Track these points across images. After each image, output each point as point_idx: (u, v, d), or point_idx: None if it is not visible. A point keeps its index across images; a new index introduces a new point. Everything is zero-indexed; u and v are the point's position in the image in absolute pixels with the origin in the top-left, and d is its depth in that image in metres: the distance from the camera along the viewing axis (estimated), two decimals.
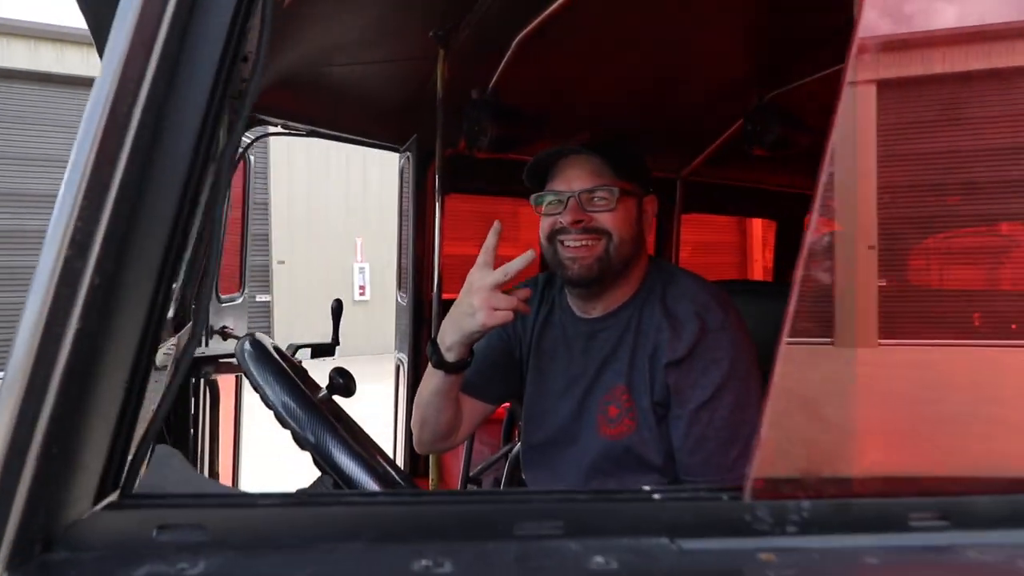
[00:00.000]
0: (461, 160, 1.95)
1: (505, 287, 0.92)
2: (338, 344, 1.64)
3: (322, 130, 2.10)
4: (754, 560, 0.39)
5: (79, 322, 0.36)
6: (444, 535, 0.38)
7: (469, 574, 0.36)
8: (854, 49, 0.44)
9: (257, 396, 0.75)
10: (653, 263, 1.12)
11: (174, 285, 0.48)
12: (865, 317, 0.48)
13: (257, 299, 7.51)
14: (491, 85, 1.80)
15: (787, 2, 1.42)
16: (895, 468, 0.48)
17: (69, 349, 0.35)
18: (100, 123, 0.37)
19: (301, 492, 0.71)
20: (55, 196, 0.37)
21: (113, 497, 0.37)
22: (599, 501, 0.42)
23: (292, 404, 0.68)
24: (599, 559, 0.37)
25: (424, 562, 0.36)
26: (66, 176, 0.37)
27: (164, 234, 0.39)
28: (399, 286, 2.32)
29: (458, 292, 0.97)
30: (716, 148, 2.32)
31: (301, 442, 0.67)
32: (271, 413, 0.71)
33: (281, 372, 0.73)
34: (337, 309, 1.13)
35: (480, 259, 0.94)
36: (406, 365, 2.13)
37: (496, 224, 0.97)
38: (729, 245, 3.43)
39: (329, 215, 8.92)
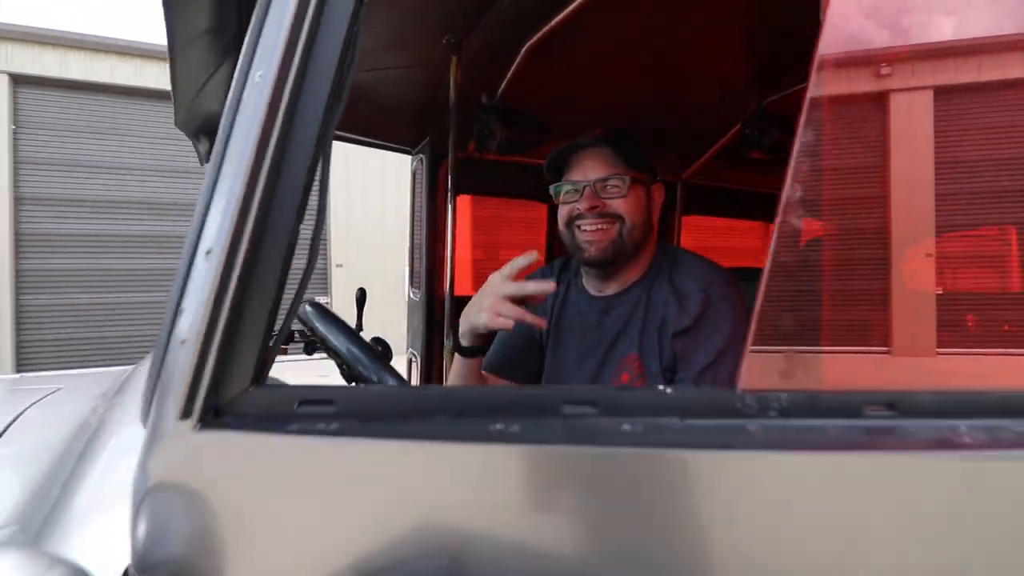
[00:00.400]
0: (471, 162, 2.05)
1: (518, 298, 1.02)
2: (362, 330, 1.74)
3: (341, 132, 2.20)
4: (743, 431, 0.51)
5: (241, 268, 0.49)
6: (508, 412, 0.51)
7: (533, 433, 0.48)
8: (815, 64, 0.56)
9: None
10: (660, 246, 1.25)
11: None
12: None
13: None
14: (500, 90, 1.91)
15: (782, 11, 1.54)
16: (856, 372, 0.60)
17: (236, 283, 0.49)
18: (258, 124, 0.50)
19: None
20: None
21: (260, 382, 0.50)
22: (626, 392, 0.55)
23: (356, 350, 0.81)
24: (626, 427, 0.50)
25: (497, 426, 0.48)
26: (230, 166, 0.50)
27: (295, 207, 0.52)
28: (411, 283, 2.40)
29: (468, 290, 1.08)
30: (716, 151, 2.44)
31: (364, 381, 0.79)
32: (333, 363, 0.83)
33: (343, 324, 0.86)
34: (361, 298, 1.25)
35: (505, 268, 1.04)
36: (419, 360, 2.21)
37: (534, 253, 1.04)
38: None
39: (385, 218, 8.97)
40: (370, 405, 0.51)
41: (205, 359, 0.48)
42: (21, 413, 1.10)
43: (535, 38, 1.64)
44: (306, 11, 0.51)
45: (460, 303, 1.14)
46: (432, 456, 0.48)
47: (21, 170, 7.24)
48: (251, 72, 0.52)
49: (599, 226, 1.12)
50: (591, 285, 1.25)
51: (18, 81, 7.14)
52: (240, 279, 0.50)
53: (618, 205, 1.12)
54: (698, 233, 2.74)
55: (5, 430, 1.01)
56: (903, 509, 0.48)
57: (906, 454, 0.51)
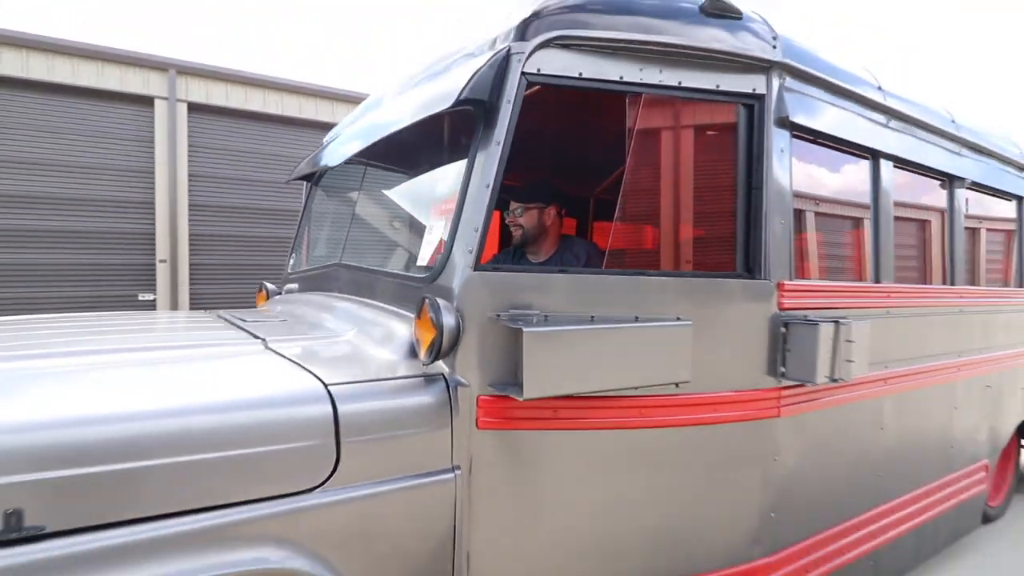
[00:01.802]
0: None
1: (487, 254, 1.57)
2: None
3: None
4: None
5: None
6: None
7: None
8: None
9: None
10: (564, 236, 2.32)
11: None
12: None
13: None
14: None
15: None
16: None
17: None
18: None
19: None
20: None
21: None
22: None
23: None
24: None
25: None
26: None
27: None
28: None
29: None
30: (615, 178, 2.85)
31: None
32: None
33: None
34: None
35: None
36: None
37: None
38: None
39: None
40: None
41: None
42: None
43: None
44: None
45: None
46: None
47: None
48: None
49: (516, 227, 2.25)
50: (531, 255, 2.28)
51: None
52: None
53: (521, 219, 2.23)
54: (604, 233, 3.17)
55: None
56: None
57: None
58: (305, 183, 2.94)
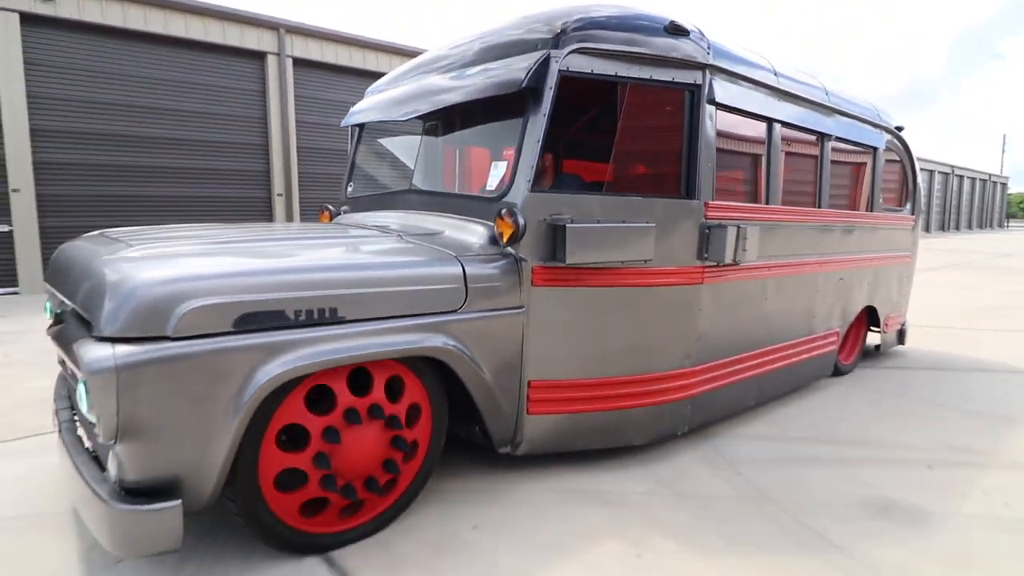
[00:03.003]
0: None
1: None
2: None
3: None
4: None
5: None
6: None
7: None
8: None
9: None
10: (558, 173, 2.61)
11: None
12: None
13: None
14: None
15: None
16: None
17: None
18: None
19: None
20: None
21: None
22: None
23: None
24: None
25: None
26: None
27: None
28: None
29: None
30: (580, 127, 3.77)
31: None
32: None
33: None
34: None
35: None
36: None
37: None
38: None
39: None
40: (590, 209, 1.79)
41: None
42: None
43: None
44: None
45: None
46: None
47: None
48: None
49: None
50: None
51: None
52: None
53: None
54: (573, 168, 4.11)
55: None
56: None
57: None
58: (355, 128, 3.78)
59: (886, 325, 4.81)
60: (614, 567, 1.98)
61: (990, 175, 48.57)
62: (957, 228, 41.40)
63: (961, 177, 41.61)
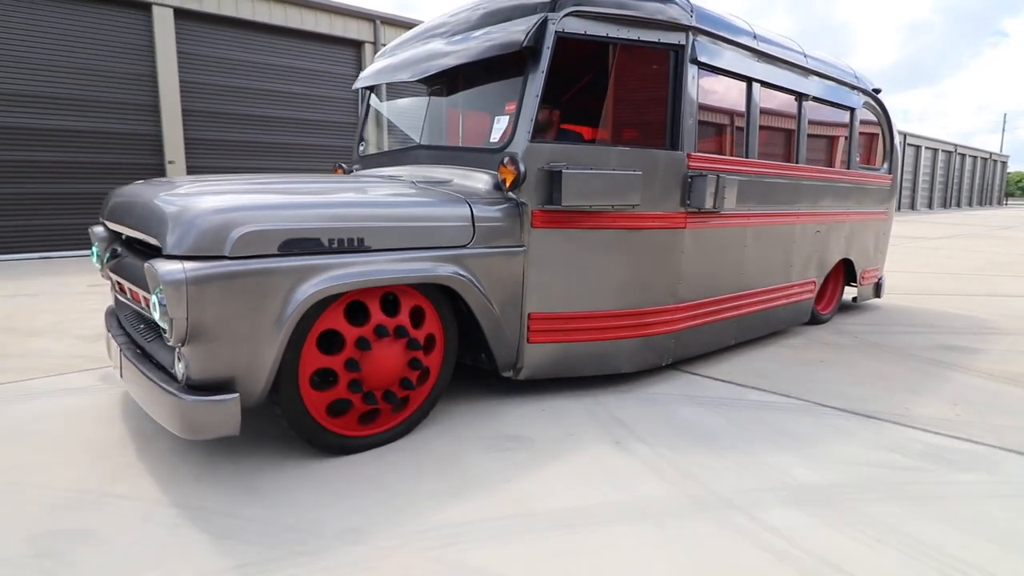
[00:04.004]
0: None
1: None
2: None
3: None
4: None
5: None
6: None
7: None
8: None
9: None
10: (560, 129, 2.85)
11: None
12: None
13: None
14: None
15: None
16: None
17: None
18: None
19: None
20: None
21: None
22: None
23: None
24: None
25: None
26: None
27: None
28: None
29: None
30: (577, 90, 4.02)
31: None
32: None
33: None
34: None
35: None
36: None
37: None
38: None
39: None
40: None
41: None
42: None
43: None
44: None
45: None
46: None
47: None
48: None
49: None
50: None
51: None
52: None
53: (538, 117, 2.73)
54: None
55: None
56: None
57: None
58: (364, 91, 4.04)
59: (862, 278, 5.13)
60: (602, 458, 2.32)
61: (991, 154, 49.44)
62: (958, 205, 42.87)
63: (963, 156, 43.00)
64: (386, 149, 3.82)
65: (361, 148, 4.05)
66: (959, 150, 42.00)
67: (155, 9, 9.38)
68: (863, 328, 4.72)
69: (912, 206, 35.41)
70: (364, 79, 3.92)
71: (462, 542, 1.75)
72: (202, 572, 1.60)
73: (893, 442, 2.52)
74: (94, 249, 2.81)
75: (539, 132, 2.90)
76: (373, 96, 4.05)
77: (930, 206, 37.91)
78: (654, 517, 1.90)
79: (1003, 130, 59.33)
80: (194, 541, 1.74)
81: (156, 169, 9.69)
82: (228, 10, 10.09)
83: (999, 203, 54.30)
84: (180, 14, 9.66)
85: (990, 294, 6.38)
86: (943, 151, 39.09)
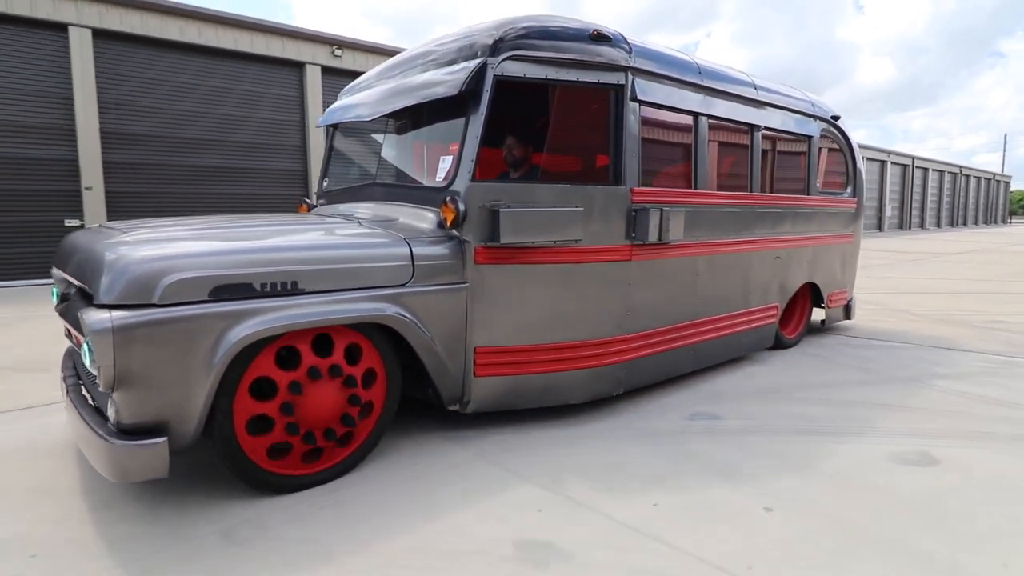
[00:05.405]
0: None
1: None
2: None
3: None
4: None
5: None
6: None
7: None
8: None
9: None
10: (532, 166, 2.95)
11: None
12: None
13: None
14: None
15: None
16: None
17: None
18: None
19: None
20: None
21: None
22: None
23: None
24: None
25: None
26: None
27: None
28: None
29: None
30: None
31: None
32: None
33: None
34: None
35: None
36: None
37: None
38: None
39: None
40: None
41: None
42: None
43: None
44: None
45: None
46: None
47: None
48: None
49: (509, 157, 2.85)
50: (513, 174, 2.93)
51: None
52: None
53: (507, 155, 2.85)
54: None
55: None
56: None
57: None
58: (329, 128, 4.15)
59: (830, 301, 5.17)
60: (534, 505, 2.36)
61: (994, 174, 50.60)
62: (964, 223, 44.07)
63: (968, 176, 44.57)
64: (346, 186, 3.92)
65: (325, 183, 4.15)
66: (964, 171, 43.74)
67: (71, 29, 9.28)
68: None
69: (922, 225, 36.64)
70: (326, 118, 4.03)
71: None
72: None
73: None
74: (54, 290, 2.89)
75: (518, 169, 2.99)
76: (337, 132, 4.15)
77: (938, 225, 39.71)
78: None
79: (1004, 150, 59.83)
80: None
81: (72, 196, 9.42)
82: (153, 31, 9.85)
83: (1003, 221, 55.03)
84: (99, 34, 9.53)
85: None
86: (949, 172, 40.84)
